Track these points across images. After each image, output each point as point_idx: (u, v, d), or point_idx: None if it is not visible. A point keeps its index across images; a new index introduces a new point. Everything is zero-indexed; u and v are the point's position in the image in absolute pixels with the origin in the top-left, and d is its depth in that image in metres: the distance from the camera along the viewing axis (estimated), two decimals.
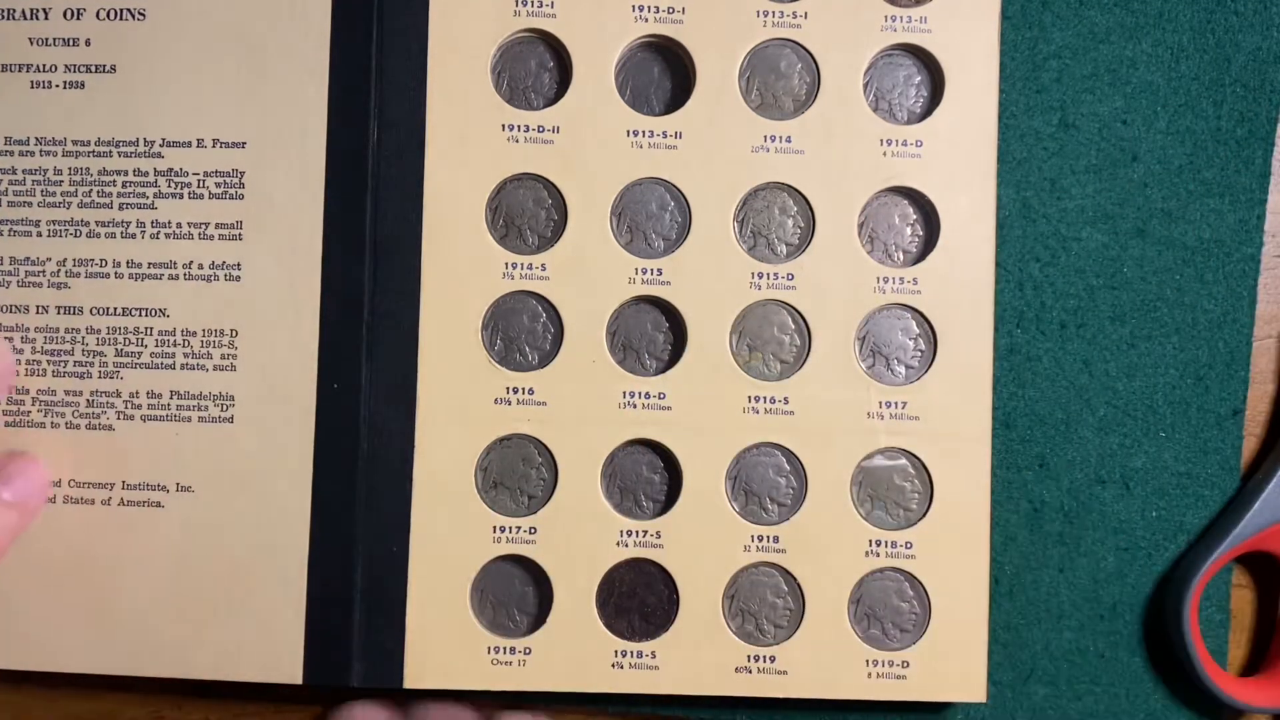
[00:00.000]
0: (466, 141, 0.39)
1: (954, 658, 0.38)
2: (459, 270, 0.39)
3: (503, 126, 0.39)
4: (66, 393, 0.39)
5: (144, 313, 0.39)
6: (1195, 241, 0.41)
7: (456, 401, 0.38)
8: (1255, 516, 0.40)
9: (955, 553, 0.39)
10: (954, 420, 0.39)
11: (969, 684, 0.38)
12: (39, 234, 0.39)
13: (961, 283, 0.39)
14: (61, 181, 0.39)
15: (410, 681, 0.38)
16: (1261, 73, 0.41)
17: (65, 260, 0.39)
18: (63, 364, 0.39)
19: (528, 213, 0.39)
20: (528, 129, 0.39)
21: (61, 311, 0.39)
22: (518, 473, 0.39)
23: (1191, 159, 0.41)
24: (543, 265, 0.39)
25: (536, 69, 0.39)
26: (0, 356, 0.38)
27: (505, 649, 0.38)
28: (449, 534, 0.38)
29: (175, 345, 0.38)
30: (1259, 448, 0.42)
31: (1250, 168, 0.42)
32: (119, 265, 0.39)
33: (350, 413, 0.38)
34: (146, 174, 0.39)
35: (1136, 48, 0.41)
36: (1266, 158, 0.42)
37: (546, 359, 0.39)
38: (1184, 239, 0.41)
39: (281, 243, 0.38)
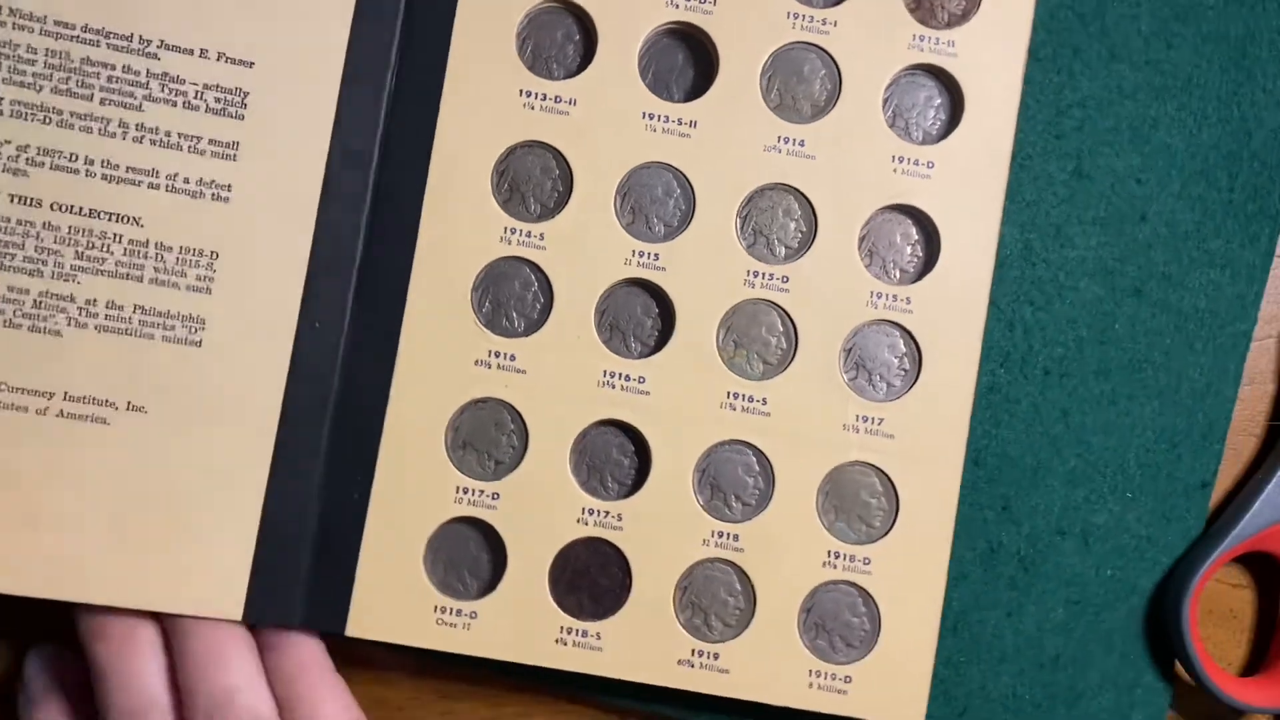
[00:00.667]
0: (482, 101, 0.39)
1: (897, 680, 0.38)
2: (457, 228, 0.38)
3: (520, 92, 0.39)
4: (10, 288, 0.36)
5: (114, 218, 0.37)
6: (1190, 309, 0.42)
7: (437, 358, 0.38)
8: (1255, 516, 0.40)
9: (912, 576, 0.38)
10: (928, 444, 0.39)
11: (908, 709, 0.38)
12: None
13: (954, 310, 0.39)
14: (35, 61, 0.36)
15: (353, 629, 0.37)
16: None
17: (27, 146, 0.36)
18: (9, 256, 0.36)
19: (534, 180, 0.39)
20: (545, 98, 0.39)
21: (15, 200, 0.36)
22: (488, 436, 0.38)
23: (1199, 227, 0.42)
24: (541, 235, 0.39)
25: (562, 40, 0.39)
26: None
27: (452, 610, 0.38)
28: (411, 488, 0.38)
29: (146, 258, 0.37)
30: (1259, 448, 0.42)
31: (1255, 244, 0.42)
32: (91, 163, 0.36)
33: (328, 354, 0.38)
34: (138, 73, 0.37)
35: (1161, 109, 0.42)
36: (1273, 237, 0.42)
37: (533, 328, 0.39)
38: (1180, 304, 0.42)
39: (279, 171, 0.37)
